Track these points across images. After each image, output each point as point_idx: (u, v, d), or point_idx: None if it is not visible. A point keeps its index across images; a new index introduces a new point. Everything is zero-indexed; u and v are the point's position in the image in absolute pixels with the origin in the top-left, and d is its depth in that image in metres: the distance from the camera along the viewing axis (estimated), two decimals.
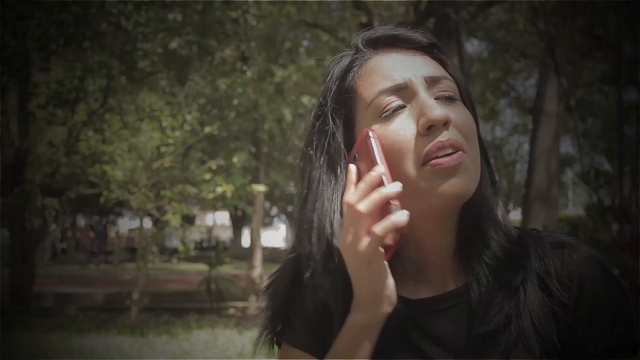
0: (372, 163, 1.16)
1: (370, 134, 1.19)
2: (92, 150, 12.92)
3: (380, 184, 1.13)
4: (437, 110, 1.17)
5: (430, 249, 1.25)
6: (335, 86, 1.28)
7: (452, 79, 1.25)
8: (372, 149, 1.17)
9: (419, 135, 1.18)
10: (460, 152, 1.17)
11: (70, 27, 13.63)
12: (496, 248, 1.21)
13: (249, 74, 15.06)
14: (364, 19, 17.06)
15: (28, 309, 14.86)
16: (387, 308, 1.16)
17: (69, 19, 13.37)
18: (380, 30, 1.29)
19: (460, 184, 1.17)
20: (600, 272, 1.20)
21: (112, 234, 37.45)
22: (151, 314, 14.06)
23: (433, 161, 1.16)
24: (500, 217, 1.25)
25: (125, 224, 38.30)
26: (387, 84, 1.22)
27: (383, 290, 1.15)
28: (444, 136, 1.17)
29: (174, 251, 28.31)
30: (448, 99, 1.22)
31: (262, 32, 15.01)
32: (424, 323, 1.22)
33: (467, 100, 1.26)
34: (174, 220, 12.63)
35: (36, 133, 15.15)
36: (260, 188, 15.66)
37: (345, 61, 1.29)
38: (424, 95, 1.20)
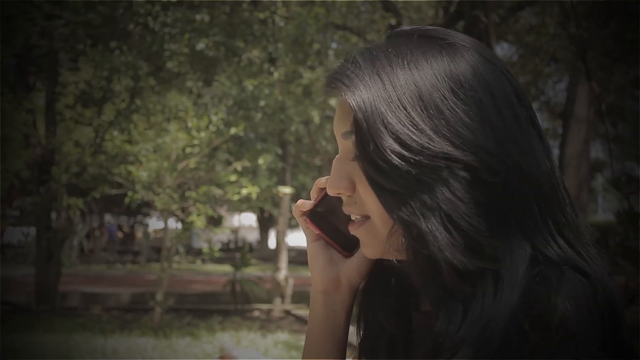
0: None
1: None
2: (117, 151, 12.93)
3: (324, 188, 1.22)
4: (329, 187, 1.15)
5: None
6: None
7: (352, 130, 1.08)
8: None
9: None
10: (362, 219, 1.13)
11: (97, 27, 13.67)
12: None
13: (276, 75, 15.00)
14: (393, 21, 16.95)
15: (53, 308, 14.91)
16: (314, 287, 1.23)
17: (96, 19, 13.40)
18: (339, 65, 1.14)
19: (366, 251, 1.16)
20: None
21: (139, 234, 37.61)
22: (175, 315, 14.06)
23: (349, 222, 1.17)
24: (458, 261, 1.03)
25: (153, 224, 38.46)
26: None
27: (310, 269, 1.23)
28: (346, 203, 1.15)
29: (200, 252, 28.38)
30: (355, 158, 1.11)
31: (290, 33, 14.93)
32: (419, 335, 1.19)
33: (372, 149, 1.05)
34: (198, 222, 12.59)
35: (63, 133, 15.21)
36: (286, 190, 15.59)
37: None
38: (335, 162, 1.15)
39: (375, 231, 1.11)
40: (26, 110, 14.92)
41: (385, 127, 1.02)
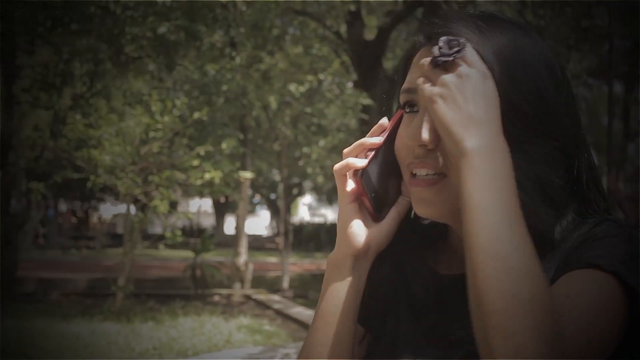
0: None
1: (383, 120, 1.25)
2: (79, 135, 12.79)
3: (373, 150, 1.22)
4: (425, 134, 1.11)
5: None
6: (401, 65, 1.24)
7: None
8: (387, 126, 1.24)
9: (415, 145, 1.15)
10: (436, 177, 1.14)
11: (57, 10, 13.48)
12: None
13: (238, 59, 14.96)
14: (352, 7, 16.99)
15: (11, 294, 14.74)
16: (345, 249, 1.22)
17: (56, 2, 13.22)
18: (436, 21, 1.19)
19: (426, 211, 1.17)
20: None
21: (94, 219, 37.27)
22: (136, 300, 14.00)
23: (412, 180, 1.16)
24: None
25: (108, 210, 38.15)
26: (407, 85, 1.19)
27: (343, 231, 1.22)
28: (425, 156, 1.14)
29: (160, 237, 28.27)
30: None
31: (250, 18, 14.90)
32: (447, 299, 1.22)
33: None
34: (162, 206, 12.55)
35: (20, 117, 15.00)
36: (247, 175, 15.60)
37: (410, 46, 1.23)
38: (425, 112, 1.13)
39: (449, 191, 1.12)
40: None
41: (501, 93, 1.07)
